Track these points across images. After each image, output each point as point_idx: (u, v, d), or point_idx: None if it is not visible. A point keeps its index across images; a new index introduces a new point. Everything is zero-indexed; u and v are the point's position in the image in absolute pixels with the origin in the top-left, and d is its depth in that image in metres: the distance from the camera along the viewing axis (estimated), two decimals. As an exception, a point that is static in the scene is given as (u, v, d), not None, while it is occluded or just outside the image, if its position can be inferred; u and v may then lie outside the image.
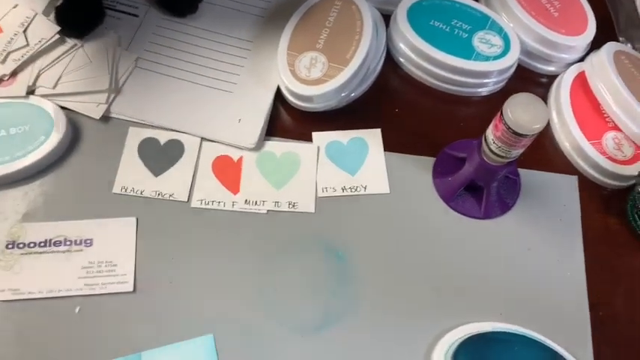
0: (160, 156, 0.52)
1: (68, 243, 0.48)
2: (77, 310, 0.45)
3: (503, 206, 0.52)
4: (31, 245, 0.48)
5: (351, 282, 0.48)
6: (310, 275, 0.48)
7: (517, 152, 0.45)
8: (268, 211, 0.50)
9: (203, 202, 0.50)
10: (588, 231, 0.52)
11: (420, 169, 0.54)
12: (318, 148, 0.54)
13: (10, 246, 0.47)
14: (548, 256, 0.51)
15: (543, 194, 0.54)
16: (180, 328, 0.45)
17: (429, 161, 0.54)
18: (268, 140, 0.54)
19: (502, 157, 0.45)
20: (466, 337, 0.45)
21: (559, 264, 0.50)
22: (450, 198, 0.52)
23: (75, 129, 0.53)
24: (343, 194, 0.52)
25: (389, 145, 0.54)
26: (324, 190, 0.52)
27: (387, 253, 0.50)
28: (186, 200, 0.50)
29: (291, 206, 0.51)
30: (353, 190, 0.52)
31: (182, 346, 0.44)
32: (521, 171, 0.54)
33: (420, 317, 0.47)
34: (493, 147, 0.45)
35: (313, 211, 0.51)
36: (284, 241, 0.49)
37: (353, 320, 0.47)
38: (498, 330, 0.46)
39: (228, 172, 0.52)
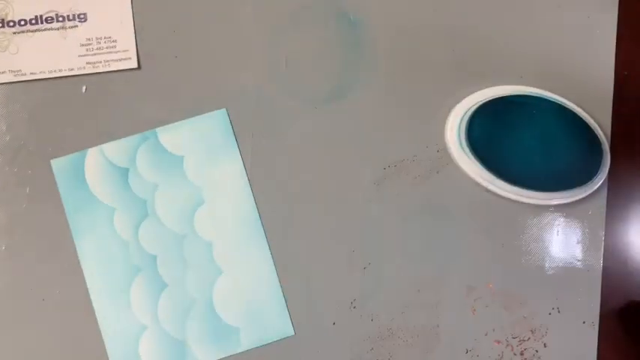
0: None
1: (61, 19, 0.44)
2: (84, 89, 0.44)
3: (535, -42, 0.47)
4: (22, 23, 0.44)
5: (365, 50, 0.46)
6: (322, 44, 0.46)
7: None
8: (273, -26, 0.46)
9: (199, -34, 0.45)
10: (626, -17, 0.47)
11: None
12: None
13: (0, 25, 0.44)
14: (579, 12, 0.47)
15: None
16: (192, 103, 0.44)
17: None
18: None
19: None
20: (484, 101, 0.44)
21: (590, 20, 0.46)
22: (475, -49, 0.46)
23: None
24: (355, -49, 0.46)
25: None
26: (334, -54, 0.46)
27: (404, 15, 0.46)
28: (180, -35, 0.45)
29: (297, -32, 0.46)
30: (366, -55, 0.46)
31: (196, 121, 0.44)
32: None
33: (437, 84, 0.46)
34: None
35: (322, -28, 0.46)
36: (291, 7, 0.46)
37: (367, 90, 0.45)
38: (518, 93, 0.44)
39: None
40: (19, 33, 0.44)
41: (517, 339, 0.44)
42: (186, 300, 0.43)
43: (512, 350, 0.44)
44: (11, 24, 0.44)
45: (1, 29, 0.44)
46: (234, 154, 0.44)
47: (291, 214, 0.44)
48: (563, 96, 0.45)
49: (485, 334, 0.44)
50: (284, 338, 0.44)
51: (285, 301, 0.44)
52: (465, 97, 0.45)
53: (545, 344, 0.44)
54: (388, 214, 0.45)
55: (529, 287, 0.45)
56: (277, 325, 0.44)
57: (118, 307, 0.43)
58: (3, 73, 0.44)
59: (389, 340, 0.44)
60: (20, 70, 0.44)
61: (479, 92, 0.45)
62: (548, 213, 0.45)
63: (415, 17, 0.46)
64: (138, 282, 0.43)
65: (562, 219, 0.45)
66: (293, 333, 0.44)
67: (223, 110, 0.44)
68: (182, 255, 0.44)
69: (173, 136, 0.44)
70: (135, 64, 0.44)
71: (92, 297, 0.43)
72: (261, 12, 0.45)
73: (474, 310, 0.44)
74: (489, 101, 0.44)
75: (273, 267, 0.44)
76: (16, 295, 0.43)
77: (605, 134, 0.45)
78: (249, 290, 0.44)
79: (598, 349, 0.44)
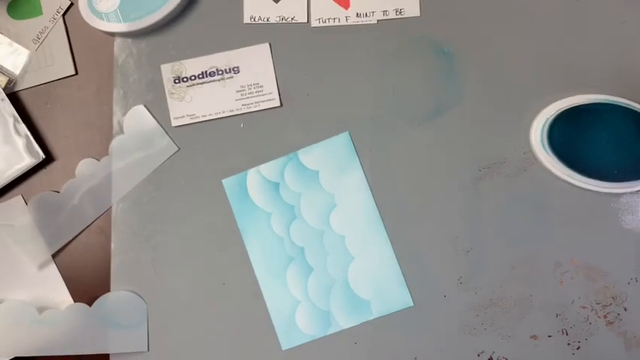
0: (276, -17, 0.58)
1: (220, 72, 0.59)
2: (242, 125, 0.58)
3: (602, -18, 0.54)
4: (192, 78, 0.59)
5: (458, 73, 0.56)
6: (422, 72, 0.56)
7: None
8: (378, 20, 0.57)
9: (320, 20, 0.58)
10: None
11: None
12: (417, -51, 0.57)
13: (177, 81, 0.59)
14: (645, 25, 0.54)
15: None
16: (322, 129, 0.57)
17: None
18: (369, -51, 0.57)
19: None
20: (562, 109, 0.53)
21: (655, 32, 0.54)
22: (548, -19, 0.55)
23: (197, -31, 0.59)
24: (445, -6, 0.56)
25: None
26: (427, -8, 0.56)
27: (490, 42, 0.56)
28: (306, 21, 0.58)
29: (398, 13, 0.57)
30: (454, -12, 0.56)
31: (326, 143, 0.57)
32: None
33: (521, 96, 0.55)
34: None
35: (419, 14, 0.56)
36: (395, 46, 0.57)
37: (461, 105, 0.56)
38: (592, 101, 0.53)
39: (337, -12, 0.58)
40: (191, 86, 0.59)
41: (600, 304, 0.53)
42: (328, 280, 0.57)
43: (596, 314, 0.53)
44: (185, 79, 0.59)
45: (179, 84, 0.59)
46: (357, 166, 0.57)
47: (405, 211, 0.56)
48: (632, 100, 0.53)
49: (572, 302, 0.54)
50: (405, 308, 0.56)
51: (405, 280, 0.56)
52: (545, 107, 0.54)
53: (625, 308, 0.53)
54: (485, 206, 0.55)
55: (609, 261, 0.53)
56: (399, 298, 0.56)
57: (278, 287, 0.57)
58: (182, 117, 0.59)
59: (491, 308, 0.55)
60: (194, 114, 0.59)
61: (558, 102, 0.54)
62: (623, 199, 0.53)
63: (499, 42, 0.56)
64: (291, 268, 0.57)
65: (636, 203, 0.53)
66: (412, 304, 0.56)
67: (346, 133, 0.57)
68: (323, 246, 0.57)
69: (310, 156, 0.57)
70: (278, 103, 0.58)
71: (259, 280, 0.57)
72: (372, 52, 0.57)
73: (562, 281, 0.54)
74: (567, 109, 0.53)
75: (393, 253, 0.56)
76: (204, 282, 0.58)
77: (672, 129, 0.53)
78: (375, 271, 0.56)
79: (674, 311, 0.53)
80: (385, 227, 0.56)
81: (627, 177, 0.51)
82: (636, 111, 0.52)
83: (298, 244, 0.57)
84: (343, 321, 0.56)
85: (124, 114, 0.60)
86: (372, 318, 0.56)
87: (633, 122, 0.52)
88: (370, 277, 0.56)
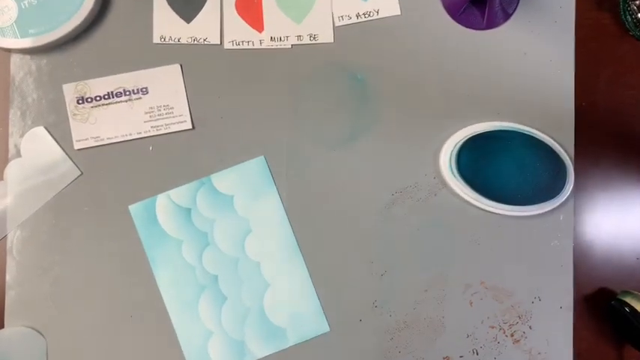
0: (188, 2, 0.57)
1: (127, 93, 0.56)
2: (151, 148, 0.56)
3: (505, 15, 0.57)
4: (97, 98, 0.56)
5: (371, 100, 0.57)
6: (336, 98, 0.57)
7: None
8: (292, 45, 0.57)
9: (234, 42, 0.57)
10: (581, 29, 0.57)
11: (427, -16, 0.58)
12: (330, -25, 0.57)
13: (80, 101, 0.56)
14: (543, 57, 0.57)
15: (542, -3, 0.58)
16: (236, 153, 0.56)
17: (436, -24, 0.58)
18: (283, -27, 0.57)
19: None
20: (469, 136, 0.55)
21: (551, 63, 0.57)
22: (455, 12, 0.57)
23: (103, -15, 0.57)
24: (358, 21, 0.57)
25: (397, -36, 0.57)
26: (341, 18, 0.57)
27: (401, 71, 0.57)
28: (219, 43, 0.57)
29: (312, 39, 0.57)
30: (367, 15, 0.57)
31: (241, 167, 0.56)
32: (523, -24, 0.58)
33: (431, 124, 0.56)
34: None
35: (332, 40, 0.57)
36: (309, 71, 0.57)
37: (375, 132, 0.56)
38: (496, 128, 0.55)
39: (251, 11, 0.57)
40: (96, 107, 0.56)
41: (507, 324, 0.55)
42: (243, 309, 0.55)
43: (504, 333, 0.55)
44: (89, 100, 0.56)
45: (82, 105, 0.56)
46: (272, 191, 0.56)
47: (320, 235, 0.56)
48: (533, 127, 0.55)
49: (482, 322, 0.55)
50: (321, 334, 0.55)
51: (321, 305, 0.55)
52: (453, 134, 0.56)
53: (530, 327, 0.55)
54: (398, 230, 0.56)
55: (514, 282, 0.56)
56: (315, 324, 0.55)
57: (190, 318, 0.55)
58: (86, 139, 0.55)
59: (405, 331, 0.55)
60: (99, 137, 0.56)
61: (464, 129, 0.56)
62: (527, 221, 0.56)
63: (410, 73, 0.57)
64: (204, 297, 0.55)
65: (539, 225, 0.56)
66: (328, 329, 0.55)
67: (262, 157, 0.56)
68: (237, 274, 0.55)
69: (224, 180, 0.56)
70: (189, 126, 0.56)
71: (169, 311, 0.55)
72: (286, 76, 0.56)
73: (471, 302, 0.55)
74: (473, 136, 0.55)
75: (309, 278, 0.55)
76: (110, 316, 0.55)
77: (569, 155, 0.56)
78: (291, 298, 0.55)
79: (574, 328, 0.55)
80: (302, 252, 0.56)
81: (529, 201, 0.54)
82: (536, 138, 0.55)
83: (211, 272, 0.55)
84: (258, 350, 0.55)
85: (22, 135, 0.56)
86: (287, 346, 0.55)
87: (534, 149, 0.55)
88: (286, 303, 0.55)
